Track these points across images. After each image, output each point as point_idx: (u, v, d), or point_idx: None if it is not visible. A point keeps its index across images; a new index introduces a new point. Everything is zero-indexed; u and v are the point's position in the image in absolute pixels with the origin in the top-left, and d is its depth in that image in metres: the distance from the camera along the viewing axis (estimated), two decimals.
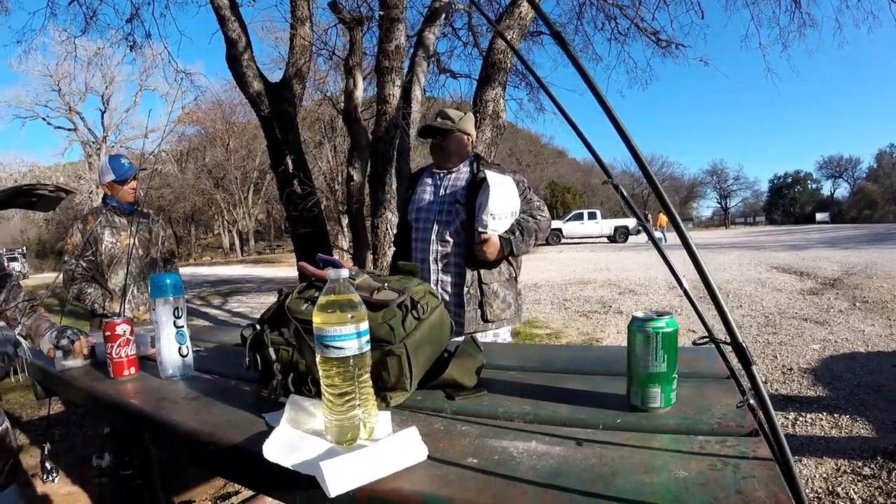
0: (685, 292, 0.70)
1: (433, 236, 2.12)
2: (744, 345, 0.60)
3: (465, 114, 2.21)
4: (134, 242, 2.40)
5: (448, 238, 2.09)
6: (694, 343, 0.86)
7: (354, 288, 1.05)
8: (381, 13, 4.08)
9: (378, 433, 0.82)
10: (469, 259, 2.05)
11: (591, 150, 0.73)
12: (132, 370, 1.36)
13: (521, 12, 4.57)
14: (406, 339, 1.00)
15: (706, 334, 0.76)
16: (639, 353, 0.91)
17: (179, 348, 1.30)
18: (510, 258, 2.11)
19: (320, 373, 0.80)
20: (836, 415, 2.92)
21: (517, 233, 2.02)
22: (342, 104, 4.75)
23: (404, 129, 4.36)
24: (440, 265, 2.10)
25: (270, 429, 0.86)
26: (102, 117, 30.24)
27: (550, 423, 0.88)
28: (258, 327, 1.10)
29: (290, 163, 4.22)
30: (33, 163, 31.28)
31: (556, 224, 25.23)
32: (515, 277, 2.17)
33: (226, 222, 36.36)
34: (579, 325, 5.92)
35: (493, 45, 4.58)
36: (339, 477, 0.66)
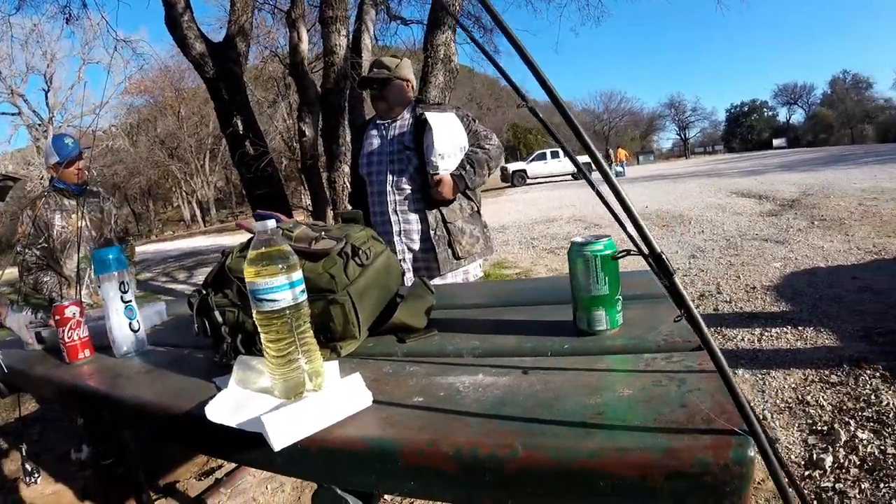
0: (609, 209, 0.69)
1: (389, 187, 2.10)
2: (663, 255, 0.59)
3: (401, 60, 2.19)
4: (85, 224, 2.31)
5: (404, 186, 2.09)
6: (612, 257, 0.87)
7: (292, 240, 1.03)
8: None
9: (326, 384, 0.81)
10: (428, 202, 2.06)
11: (506, 76, 0.69)
12: (87, 353, 1.31)
13: None
14: (349, 287, 0.97)
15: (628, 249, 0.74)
16: (580, 277, 0.91)
17: (130, 323, 1.26)
18: (468, 193, 2.13)
19: (259, 328, 0.77)
20: (800, 328, 3.01)
21: (468, 167, 2.04)
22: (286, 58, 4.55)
23: (354, 79, 4.23)
24: (400, 216, 2.09)
25: (218, 391, 0.84)
26: (46, 97, 28.35)
27: (499, 356, 0.88)
28: (203, 292, 1.07)
29: (239, 123, 4.07)
30: None
31: (520, 165, 25.85)
32: (478, 211, 2.21)
33: (184, 193, 35.16)
34: (547, 261, 6.00)
35: None
36: (281, 430, 0.65)
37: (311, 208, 4.60)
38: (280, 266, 0.74)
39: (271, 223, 0.77)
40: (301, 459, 0.68)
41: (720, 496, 0.50)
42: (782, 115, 56.29)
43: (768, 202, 8.10)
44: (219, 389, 0.86)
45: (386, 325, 1.06)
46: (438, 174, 1.99)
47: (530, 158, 26.26)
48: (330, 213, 4.35)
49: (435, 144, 1.95)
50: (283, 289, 0.74)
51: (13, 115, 28.07)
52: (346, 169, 4.08)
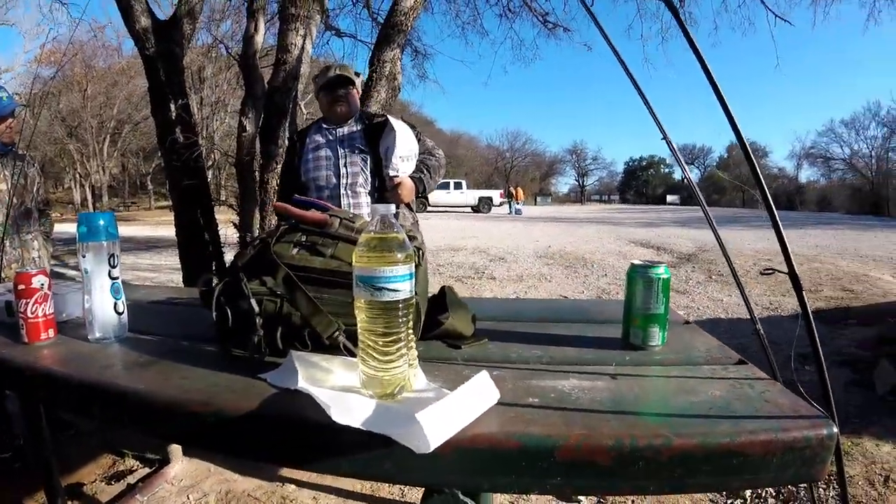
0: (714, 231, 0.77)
1: (342, 190, 2.10)
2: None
3: (359, 74, 2.29)
4: (6, 188, 2.02)
5: (359, 189, 2.11)
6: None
7: (354, 231, 1.00)
8: None
9: (418, 385, 0.78)
10: None
11: (651, 111, 0.74)
12: (50, 332, 1.12)
13: None
14: (416, 287, 0.96)
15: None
16: (641, 296, 0.98)
17: (115, 304, 1.11)
18: (410, 204, 2.19)
19: (364, 320, 0.73)
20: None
21: (424, 171, 2.11)
22: (235, 49, 4.34)
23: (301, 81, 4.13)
24: None
25: (280, 390, 0.77)
26: None
27: (567, 364, 0.91)
28: (225, 278, 0.97)
29: (173, 108, 3.79)
30: None
31: None
32: (417, 222, 2.28)
33: (78, 175, 31.74)
34: (456, 289, 6.03)
35: (396, 7, 4.44)
36: (436, 428, 0.61)
37: (236, 206, 4.36)
38: (401, 255, 0.72)
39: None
40: (423, 463, 0.63)
41: (811, 464, 0.65)
42: (678, 173, 61.79)
43: (666, 254, 8.75)
44: (275, 387, 0.79)
45: (437, 330, 1.05)
46: (399, 177, 2.01)
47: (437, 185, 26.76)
48: (257, 215, 4.16)
49: (397, 147, 1.98)
50: (405, 279, 0.72)
51: None
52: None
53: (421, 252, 1.04)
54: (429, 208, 24.73)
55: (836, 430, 0.65)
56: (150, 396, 0.81)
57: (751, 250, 8.93)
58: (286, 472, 2.03)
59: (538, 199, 45.31)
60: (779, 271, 0.78)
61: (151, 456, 2.13)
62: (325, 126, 2.21)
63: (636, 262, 1.00)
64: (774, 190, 49.39)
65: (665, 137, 0.80)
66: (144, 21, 3.74)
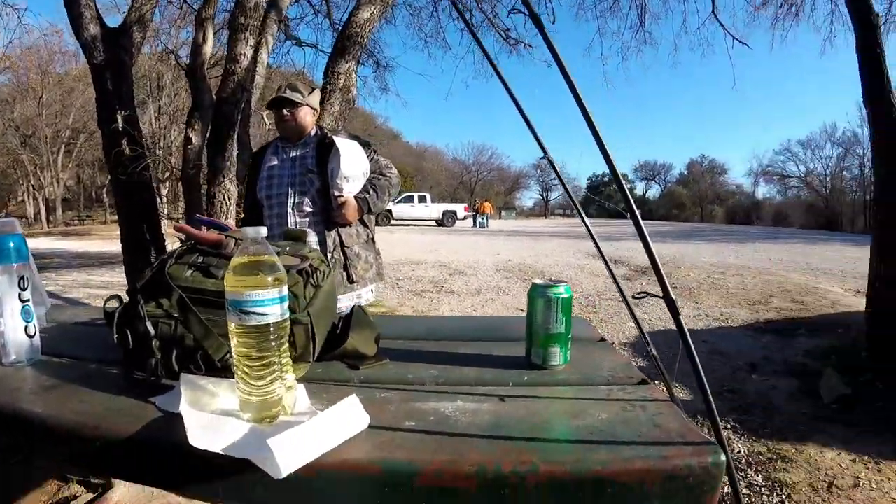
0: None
1: (289, 209, 2.12)
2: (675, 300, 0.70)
3: (314, 89, 2.26)
4: None
5: (305, 208, 2.12)
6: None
7: (249, 253, 0.97)
8: None
9: (298, 407, 0.76)
10: (328, 225, 2.11)
11: (529, 125, 0.75)
12: None
13: None
14: (309, 308, 0.94)
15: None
16: (540, 316, 0.98)
17: (26, 327, 1.06)
18: (365, 220, 2.22)
19: (236, 344, 0.71)
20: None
21: (371, 191, 2.13)
22: (184, 58, 4.26)
23: (251, 93, 4.08)
24: None
25: (166, 414, 0.75)
26: None
27: (462, 384, 0.90)
28: (126, 299, 0.95)
29: (120, 119, 3.68)
30: None
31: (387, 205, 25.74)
32: (372, 239, 2.29)
33: (31, 188, 30.55)
34: (413, 303, 6.01)
35: (353, 18, 4.45)
36: (288, 454, 0.59)
37: (184, 220, 4.25)
38: (271, 278, 0.70)
39: (263, 230, 0.73)
40: (292, 487, 0.62)
41: (699, 494, 0.62)
42: (639, 188, 63.17)
43: (623, 267, 8.91)
44: (162, 411, 0.77)
45: (337, 350, 1.03)
46: (343, 196, 2.05)
47: (398, 200, 26.67)
48: (204, 230, 4.06)
49: (342, 167, 2.01)
50: (274, 302, 0.70)
51: None
52: (229, 185, 3.89)
53: (321, 273, 1.03)
54: (392, 222, 24.61)
55: (723, 457, 0.63)
56: (47, 420, 0.79)
57: (706, 263, 9.17)
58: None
59: (503, 212, 45.51)
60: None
61: (95, 481, 2.06)
62: (280, 144, 2.23)
63: (537, 281, 1.00)
64: (731, 206, 50.97)
65: (546, 156, 0.80)
66: (94, 29, 3.64)
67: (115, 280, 7.79)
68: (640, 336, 4.28)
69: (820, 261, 9.61)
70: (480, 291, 6.68)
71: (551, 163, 0.81)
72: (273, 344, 0.71)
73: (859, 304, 4.97)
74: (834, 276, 7.66)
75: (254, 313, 0.69)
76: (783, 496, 2.05)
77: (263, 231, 0.73)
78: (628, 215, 0.78)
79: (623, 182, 0.78)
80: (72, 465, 1.73)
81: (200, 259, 0.99)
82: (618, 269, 8.65)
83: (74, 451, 0.78)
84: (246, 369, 0.71)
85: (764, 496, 2.05)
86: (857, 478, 2.12)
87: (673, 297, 0.74)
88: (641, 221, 0.81)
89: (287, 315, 0.74)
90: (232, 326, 0.71)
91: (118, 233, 4.16)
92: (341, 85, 4.47)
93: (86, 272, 8.69)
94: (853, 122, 37.70)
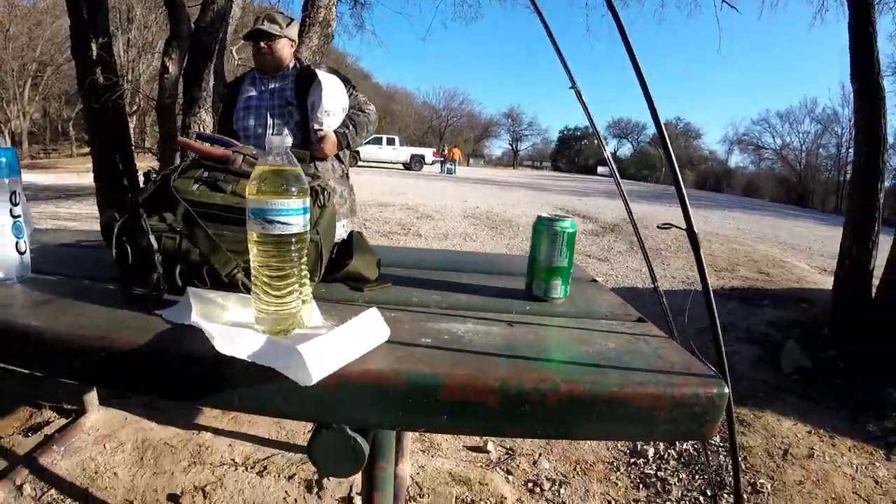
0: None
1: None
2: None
3: (292, 21, 2.22)
4: None
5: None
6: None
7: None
8: None
9: (313, 321, 0.77)
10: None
11: (561, 57, 0.74)
12: None
13: None
14: (317, 226, 0.94)
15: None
16: (545, 249, 1.00)
17: (17, 243, 1.03)
18: (339, 156, 2.23)
19: (256, 254, 0.70)
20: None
21: (350, 127, 2.14)
22: None
23: (228, 23, 3.91)
24: None
25: (174, 326, 0.74)
26: None
27: (467, 310, 0.91)
28: (124, 215, 0.92)
29: (94, 47, 3.49)
30: None
31: None
32: (347, 175, 2.31)
33: None
34: (381, 244, 5.98)
35: None
36: (317, 362, 0.60)
37: (156, 150, 4.12)
38: (295, 188, 0.69)
39: (288, 139, 0.71)
40: (311, 398, 0.63)
41: (702, 422, 0.65)
42: (611, 146, 62.72)
43: (591, 222, 8.98)
44: (170, 323, 0.76)
45: (339, 273, 1.04)
46: (323, 130, 2.05)
47: (366, 141, 26.03)
48: (178, 159, 3.95)
49: (323, 101, 2.00)
50: (298, 213, 0.69)
51: None
52: (204, 115, 3.78)
53: (327, 193, 1.02)
54: (359, 163, 24.05)
55: (727, 390, 0.65)
56: (45, 333, 0.76)
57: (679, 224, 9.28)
58: (203, 420, 2.01)
59: (471, 160, 44.51)
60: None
61: (68, 406, 2.07)
62: (258, 76, 2.20)
63: (543, 214, 1.01)
64: (703, 171, 51.52)
65: (574, 86, 0.80)
66: None
67: (84, 212, 7.53)
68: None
69: (788, 235, 9.80)
70: (448, 236, 6.68)
71: (578, 94, 0.81)
72: (294, 255, 0.71)
73: (825, 282, 5.14)
74: (801, 251, 7.82)
75: (278, 222, 0.68)
76: (739, 458, 2.15)
77: (289, 140, 0.72)
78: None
79: (667, 143, 0.78)
80: (73, 378, 1.73)
81: (206, 174, 0.97)
82: (587, 225, 8.70)
83: (76, 364, 0.75)
84: (266, 279, 0.70)
85: (721, 456, 2.13)
86: (812, 449, 2.20)
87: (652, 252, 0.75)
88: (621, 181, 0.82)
89: (308, 227, 0.73)
90: (253, 236, 0.70)
91: (85, 166, 4.00)
92: (321, 18, 4.31)
93: (53, 204, 8.36)
94: (834, 101, 37.82)
